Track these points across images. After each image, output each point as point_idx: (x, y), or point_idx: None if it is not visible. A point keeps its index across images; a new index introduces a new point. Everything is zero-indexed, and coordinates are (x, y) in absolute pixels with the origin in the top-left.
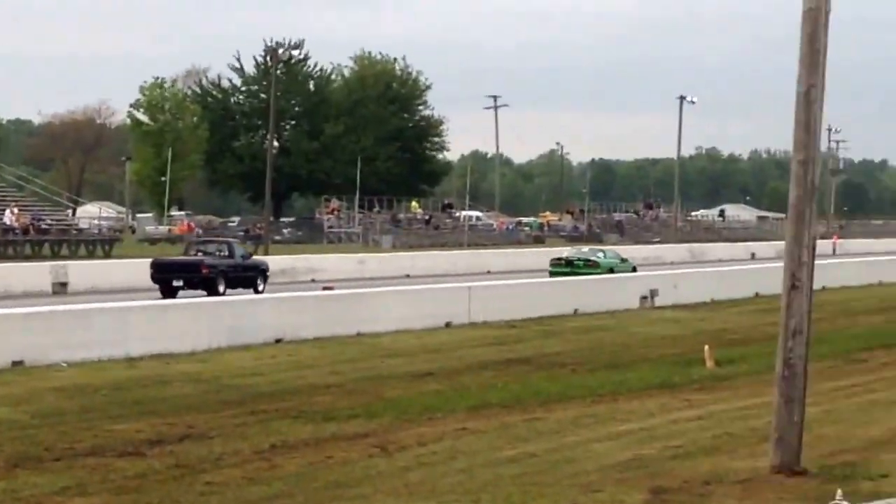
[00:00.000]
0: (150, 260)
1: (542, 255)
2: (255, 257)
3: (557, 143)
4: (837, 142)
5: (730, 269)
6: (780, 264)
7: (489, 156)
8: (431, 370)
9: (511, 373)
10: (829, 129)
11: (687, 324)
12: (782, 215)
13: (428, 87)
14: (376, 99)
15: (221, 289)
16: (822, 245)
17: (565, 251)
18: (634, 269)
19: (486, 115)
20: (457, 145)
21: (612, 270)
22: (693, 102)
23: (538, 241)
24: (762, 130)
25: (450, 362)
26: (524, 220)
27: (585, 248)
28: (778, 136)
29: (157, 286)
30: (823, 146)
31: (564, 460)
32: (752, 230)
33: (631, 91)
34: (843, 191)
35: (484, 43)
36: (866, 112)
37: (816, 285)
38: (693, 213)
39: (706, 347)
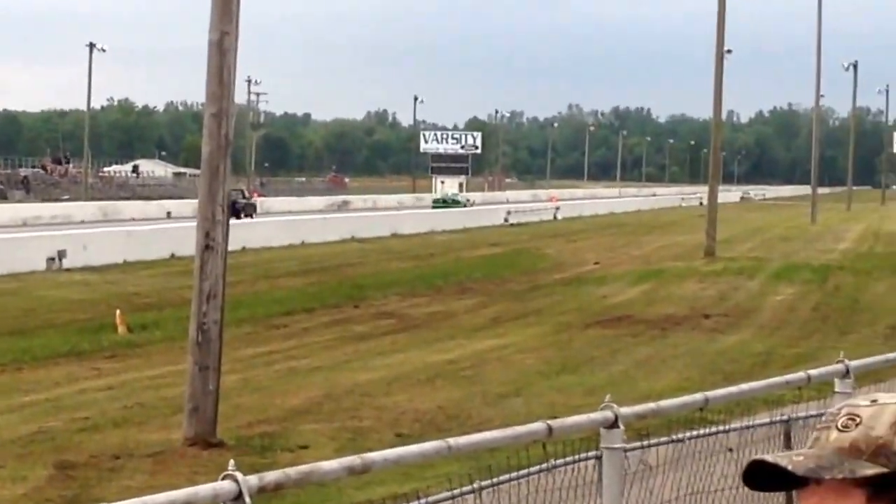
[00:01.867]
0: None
1: None
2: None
3: None
4: (258, 94)
5: (144, 228)
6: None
7: None
8: None
9: None
10: (249, 81)
11: (97, 287)
12: (199, 171)
13: None
14: None
15: (242, 216)
16: None
17: (438, 193)
18: (472, 204)
19: None
20: None
21: (464, 205)
22: (104, 51)
23: None
24: (179, 81)
25: None
26: None
27: (450, 192)
28: (195, 88)
29: None
30: (242, 98)
31: None
32: (168, 187)
33: (38, 39)
34: (264, 146)
35: None
36: (290, 64)
37: (236, 245)
38: (105, 169)
39: (117, 312)
